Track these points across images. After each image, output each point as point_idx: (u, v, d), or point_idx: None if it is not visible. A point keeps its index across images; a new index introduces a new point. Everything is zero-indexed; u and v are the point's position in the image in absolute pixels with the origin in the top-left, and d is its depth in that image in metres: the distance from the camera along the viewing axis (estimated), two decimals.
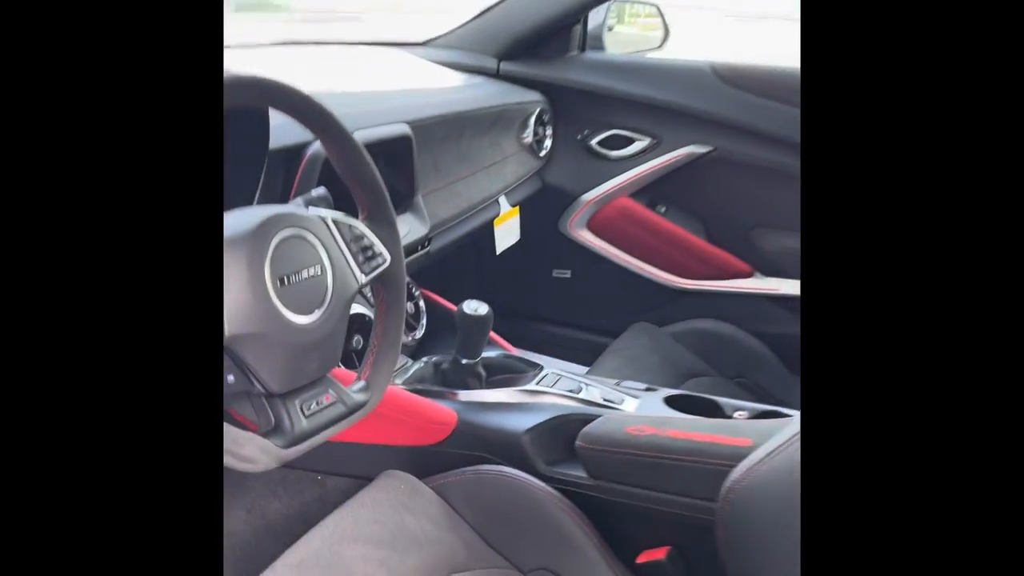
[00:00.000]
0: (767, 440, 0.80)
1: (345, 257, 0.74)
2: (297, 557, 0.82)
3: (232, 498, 1.06)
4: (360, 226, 0.78)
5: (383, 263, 0.79)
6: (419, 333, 1.22)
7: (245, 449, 0.63)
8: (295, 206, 0.76)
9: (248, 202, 0.90)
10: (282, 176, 0.92)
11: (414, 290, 1.26)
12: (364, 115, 1.09)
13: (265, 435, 0.66)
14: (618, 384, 1.12)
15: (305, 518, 1.02)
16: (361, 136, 1.03)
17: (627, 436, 0.96)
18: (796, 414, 0.83)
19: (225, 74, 0.65)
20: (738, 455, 0.82)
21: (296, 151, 0.93)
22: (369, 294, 1.06)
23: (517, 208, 1.61)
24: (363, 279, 0.76)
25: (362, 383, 0.78)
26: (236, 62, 1.16)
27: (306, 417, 0.70)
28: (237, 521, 1.05)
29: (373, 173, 0.80)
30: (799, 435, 0.78)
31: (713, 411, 1.05)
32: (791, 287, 1.65)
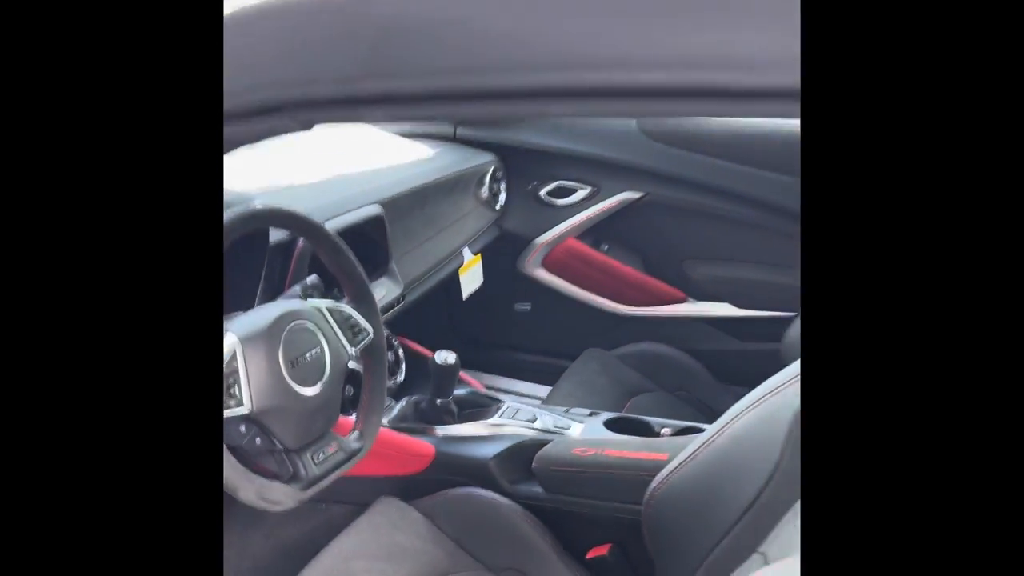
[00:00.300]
0: (679, 453, 1.00)
1: (338, 336, 0.93)
2: (315, 572, 1.00)
3: (252, 527, 1.23)
4: (347, 308, 0.96)
5: (367, 336, 0.97)
6: (400, 377, 1.40)
7: (273, 494, 0.81)
8: (296, 298, 0.94)
9: (254, 286, 1.08)
10: (279, 266, 1.10)
11: (393, 341, 1.44)
12: (341, 201, 1.27)
13: (287, 482, 0.84)
14: (567, 411, 1.31)
15: (315, 540, 1.19)
16: (340, 222, 1.21)
17: (574, 456, 1.15)
18: (708, 427, 1.01)
19: (226, 215, 0.82)
20: (658, 467, 1.01)
21: (288, 244, 1.10)
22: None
23: (479, 256, 1.80)
24: (352, 351, 0.95)
25: (357, 433, 0.96)
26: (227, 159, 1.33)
27: (316, 465, 0.88)
28: (258, 546, 1.22)
29: (354, 266, 0.98)
30: (702, 447, 0.97)
31: (644, 430, 1.25)
32: (720, 309, 1.85)
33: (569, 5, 0.41)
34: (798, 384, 0.87)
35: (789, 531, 0.80)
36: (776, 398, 0.88)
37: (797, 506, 0.81)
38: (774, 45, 0.37)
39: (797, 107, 0.38)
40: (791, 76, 0.36)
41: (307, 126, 0.50)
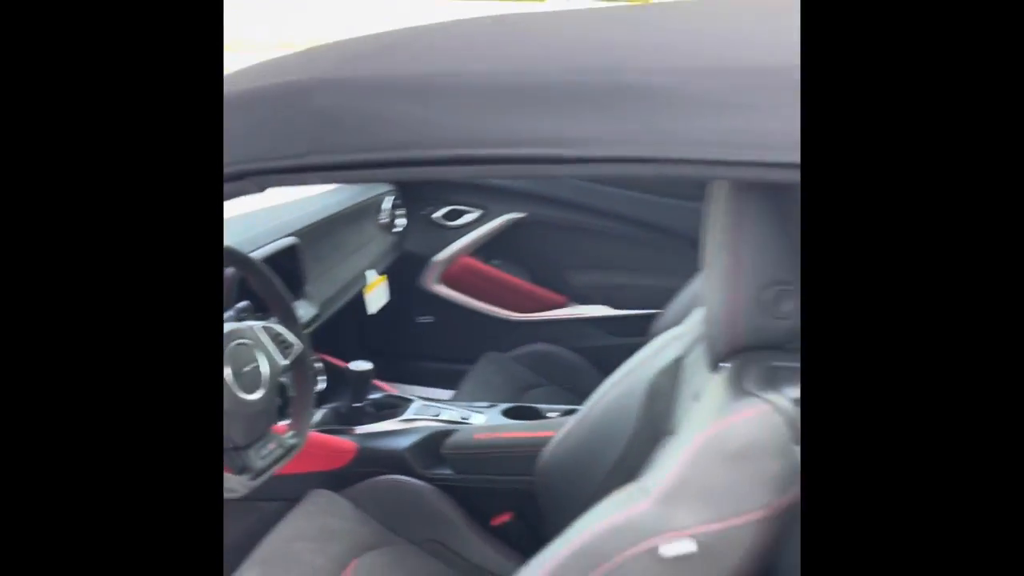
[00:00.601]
0: (559, 431, 1.19)
1: (271, 350, 1.07)
2: (261, 555, 1.13)
3: None
4: (277, 327, 1.10)
5: (296, 349, 1.11)
6: (320, 387, 1.53)
7: (229, 483, 0.95)
8: (235, 320, 1.08)
9: None
10: None
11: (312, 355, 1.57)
12: (263, 234, 1.40)
13: (238, 474, 0.98)
14: (469, 405, 1.49)
15: (253, 535, 1.30)
16: (263, 252, 1.35)
17: (476, 441, 1.33)
18: (582, 408, 1.20)
19: None
20: (544, 444, 1.20)
21: None
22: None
23: (384, 276, 1.95)
24: (285, 363, 1.09)
25: (292, 432, 1.10)
26: None
27: (260, 459, 1.01)
28: None
29: (281, 292, 1.12)
30: (578, 422, 1.15)
31: (534, 415, 1.43)
32: (597, 311, 2.08)
33: (453, 103, 0.58)
34: (649, 363, 1.07)
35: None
36: (631, 377, 1.08)
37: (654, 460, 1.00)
38: (594, 127, 0.55)
39: (607, 168, 0.56)
40: (598, 149, 0.55)
41: (262, 189, 0.65)
